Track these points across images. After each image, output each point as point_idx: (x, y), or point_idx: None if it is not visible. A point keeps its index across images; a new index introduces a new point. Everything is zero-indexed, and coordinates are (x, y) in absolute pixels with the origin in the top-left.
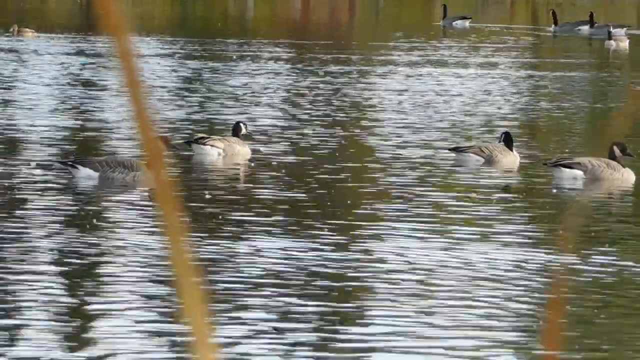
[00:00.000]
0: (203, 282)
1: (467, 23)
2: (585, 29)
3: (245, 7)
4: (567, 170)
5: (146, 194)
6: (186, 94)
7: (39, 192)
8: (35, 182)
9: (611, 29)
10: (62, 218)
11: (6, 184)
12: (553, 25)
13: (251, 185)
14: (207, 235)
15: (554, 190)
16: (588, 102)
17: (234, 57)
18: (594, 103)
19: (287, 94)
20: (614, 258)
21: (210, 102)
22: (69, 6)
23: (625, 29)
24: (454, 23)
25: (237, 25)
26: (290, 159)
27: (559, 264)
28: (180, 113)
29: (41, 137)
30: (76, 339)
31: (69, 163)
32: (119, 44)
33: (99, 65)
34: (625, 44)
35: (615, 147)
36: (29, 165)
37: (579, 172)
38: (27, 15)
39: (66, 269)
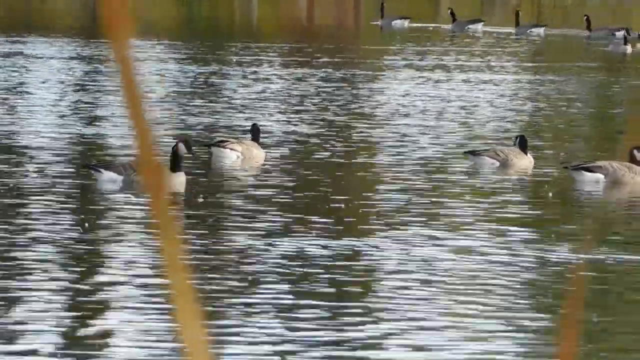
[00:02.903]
0: (200, 285)
1: (406, 23)
2: (475, 27)
3: (249, 8)
4: (588, 173)
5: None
6: (188, 97)
7: (42, 196)
8: (38, 186)
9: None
10: (63, 221)
11: (8, 188)
12: (451, 24)
13: (262, 186)
14: (212, 236)
15: (550, 194)
16: (604, 107)
17: (234, 59)
18: (611, 108)
19: (289, 97)
20: (634, 260)
21: (214, 106)
22: (76, 7)
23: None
24: (392, 23)
25: (240, 27)
26: (298, 161)
27: (576, 267)
28: (184, 116)
29: (50, 142)
30: (75, 341)
31: (92, 166)
32: (117, 50)
33: (105, 69)
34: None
35: (635, 151)
36: (30, 170)
37: (600, 176)
38: (32, 16)
39: (68, 272)
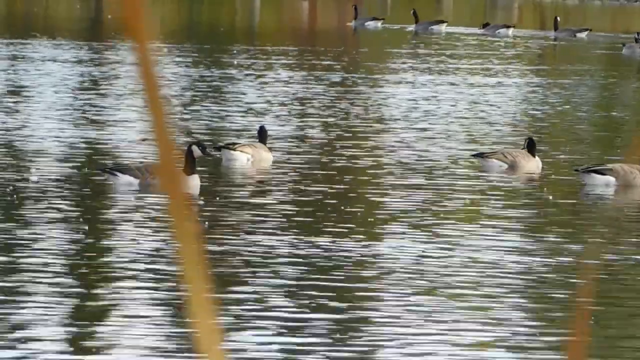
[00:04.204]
0: (213, 285)
1: (379, 24)
2: (439, 28)
3: (251, 12)
4: (599, 176)
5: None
6: (191, 100)
7: (53, 201)
8: (48, 190)
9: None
10: (74, 226)
11: (10, 191)
12: (414, 25)
13: (271, 188)
14: (222, 236)
15: (550, 197)
16: (615, 110)
17: (235, 62)
18: (621, 111)
19: (293, 99)
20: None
21: (217, 109)
22: (78, 11)
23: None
24: (365, 24)
25: (241, 29)
26: (305, 163)
27: (585, 269)
28: (188, 119)
29: (59, 146)
30: (81, 344)
31: (108, 170)
32: (139, 51)
33: (111, 72)
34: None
35: None
36: (30, 173)
37: (610, 179)
38: (35, 19)
39: (74, 274)
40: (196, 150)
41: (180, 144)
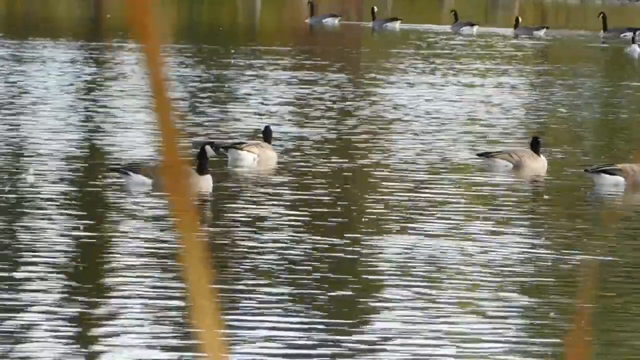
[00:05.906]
0: (216, 285)
1: (336, 21)
2: (392, 25)
3: (252, 11)
4: (609, 176)
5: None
6: (192, 100)
7: (58, 201)
8: (47, 190)
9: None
10: (81, 225)
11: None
12: (369, 21)
13: (277, 186)
14: (229, 235)
15: (546, 197)
16: (620, 110)
17: (232, 61)
18: (628, 111)
19: (294, 99)
20: None
21: (217, 109)
22: (78, 12)
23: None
24: (323, 21)
25: (241, 29)
26: (308, 162)
27: (589, 270)
28: (191, 120)
29: (61, 146)
30: (81, 345)
31: (121, 170)
32: (147, 52)
33: (109, 73)
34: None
35: None
36: (28, 174)
37: (620, 179)
38: (35, 19)
39: (74, 275)
40: (209, 150)
41: (191, 144)
